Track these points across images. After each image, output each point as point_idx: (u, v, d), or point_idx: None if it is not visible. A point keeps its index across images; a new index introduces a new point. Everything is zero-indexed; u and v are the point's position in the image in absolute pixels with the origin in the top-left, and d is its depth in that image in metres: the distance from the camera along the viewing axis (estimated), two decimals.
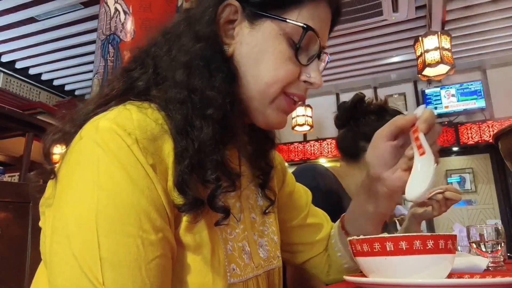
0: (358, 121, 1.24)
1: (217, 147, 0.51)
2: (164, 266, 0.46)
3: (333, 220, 1.09)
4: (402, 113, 1.23)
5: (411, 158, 0.61)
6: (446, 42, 3.60)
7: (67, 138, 0.52)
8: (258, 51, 0.56)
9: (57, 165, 0.50)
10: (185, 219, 0.50)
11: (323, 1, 0.59)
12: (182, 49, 0.55)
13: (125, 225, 0.43)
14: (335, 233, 0.83)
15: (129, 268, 0.42)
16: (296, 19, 0.56)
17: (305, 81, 0.59)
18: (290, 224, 0.82)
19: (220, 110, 0.52)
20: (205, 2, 0.58)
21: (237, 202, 0.61)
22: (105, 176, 0.44)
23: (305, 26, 0.55)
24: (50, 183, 0.52)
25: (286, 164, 0.84)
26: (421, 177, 0.57)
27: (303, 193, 0.87)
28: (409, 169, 0.61)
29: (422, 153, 0.58)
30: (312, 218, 0.85)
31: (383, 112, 1.22)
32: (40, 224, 0.52)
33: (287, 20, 0.55)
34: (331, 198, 1.13)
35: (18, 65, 5.65)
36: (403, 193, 0.61)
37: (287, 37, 0.56)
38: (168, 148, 0.49)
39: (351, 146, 1.24)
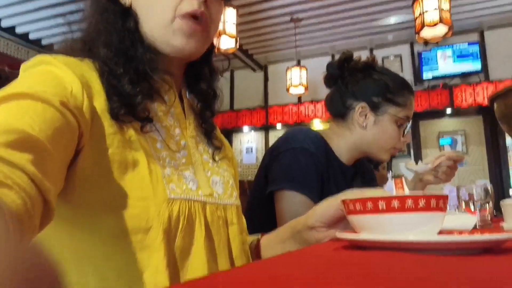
0: (346, 79, 1.24)
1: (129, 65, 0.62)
2: (58, 128, 0.48)
3: (321, 188, 1.11)
4: (389, 70, 1.25)
5: None
6: (445, 3, 3.52)
7: None
8: None
9: None
10: (115, 136, 0.57)
11: None
12: (92, 7, 0.68)
13: (38, 83, 0.51)
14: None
15: (19, 104, 0.46)
16: None
17: None
18: None
19: (121, 37, 0.64)
20: None
21: (182, 140, 0.68)
22: (35, 73, 0.54)
23: None
24: None
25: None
26: None
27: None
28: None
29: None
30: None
31: (370, 70, 1.22)
32: None
33: None
34: (320, 161, 1.14)
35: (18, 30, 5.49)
36: None
37: None
38: (94, 76, 0.59)
39: (339, 105, 1.24)
